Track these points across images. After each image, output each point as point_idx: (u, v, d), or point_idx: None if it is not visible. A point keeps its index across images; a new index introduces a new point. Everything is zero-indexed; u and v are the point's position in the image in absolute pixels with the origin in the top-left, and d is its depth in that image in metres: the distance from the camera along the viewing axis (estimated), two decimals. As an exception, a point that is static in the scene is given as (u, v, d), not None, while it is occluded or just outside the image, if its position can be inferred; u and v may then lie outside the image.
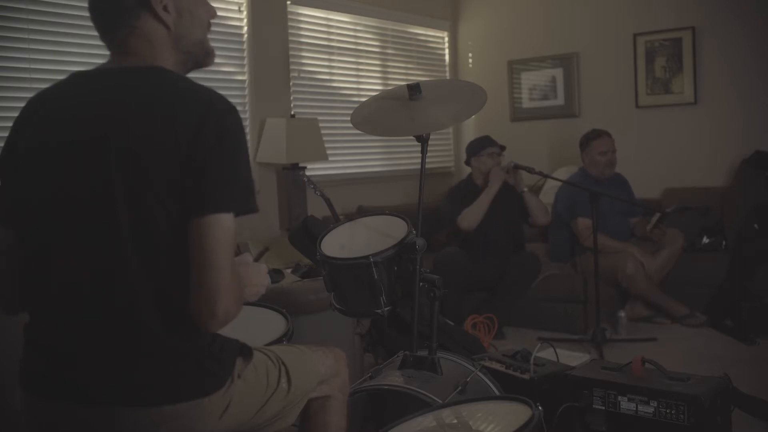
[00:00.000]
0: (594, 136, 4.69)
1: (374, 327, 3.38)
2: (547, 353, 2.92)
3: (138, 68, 1.45)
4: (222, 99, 1.41)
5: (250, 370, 1.51)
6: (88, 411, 1.36)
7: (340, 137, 5.11)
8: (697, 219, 4.64)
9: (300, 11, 4.87)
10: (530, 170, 4.42)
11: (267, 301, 1.71)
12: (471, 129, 6.01)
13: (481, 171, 4.63)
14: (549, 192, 5.03)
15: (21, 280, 1.46)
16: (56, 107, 1.46)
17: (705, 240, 4.71)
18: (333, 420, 1.73)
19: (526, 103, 5.91)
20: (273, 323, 2.12)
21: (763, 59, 4.89)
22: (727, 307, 4.25)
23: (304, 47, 4.90)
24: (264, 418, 1.56)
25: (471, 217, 4.47)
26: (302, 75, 4.88)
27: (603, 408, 2.38)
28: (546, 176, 4.56)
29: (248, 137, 4.34)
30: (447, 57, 6.23)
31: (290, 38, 4.77)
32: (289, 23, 4.77)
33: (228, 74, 4.38)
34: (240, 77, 4.45)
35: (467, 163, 4.77)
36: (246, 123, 4.40)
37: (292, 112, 4.67)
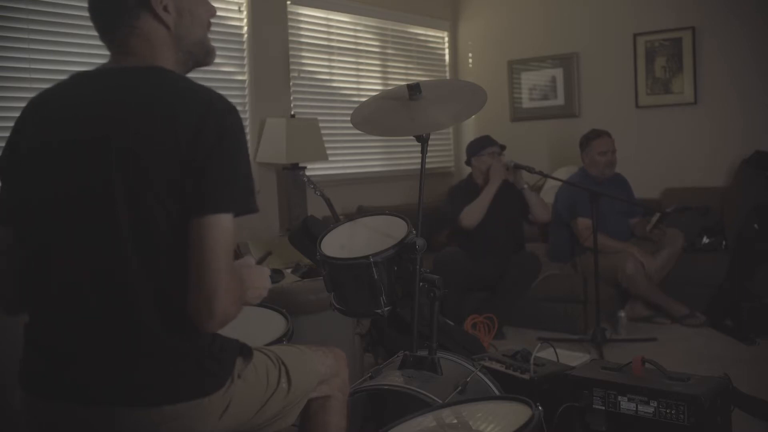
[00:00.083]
0: (594, 136, 4.70)
1: (374, 327, 3.38)
2: (547, 353, 2.92)
3: (138, 68, 1.45)
4: (222, 99, 1.41)
5: (250, 370, 1.51)
6: (88, 411, 1.36)
7: (340, 137, 5.11)
8: (697, 219, 4.64)
9: (300, 11, 4.87)
10: (530, 170, 4.42)
11: (267, 301, 1.71)
12: (471, 129, 6.01)
13: (482, 170, 4.63)
14: (549, 192, 5.03)
15: (21, 280, 1.46)
16: (57, 107, 1.46)
17: (705, 240, 4.71)
18: (333, 420, 1.73)
19: (526, 103, 5.91)
20: (273, 323, 2.12)
21: (763, 59, 4.89)
22: (727, 307, 4.25)
23: (304, 47, 4.90)
24: (264, 418, 1.56)
25: (472, 214, 4.47)
26: (302, 75, 4.88)
27: (603, 408, 2.38)
28: (546, 176, 4.56)
29: (248, 137, 4.34)
30: (447, 57, 6.23)
31: (290, 38, 4.77)
32: (289, 23, 4.77)
33: (228, 74, 4.38)
34: (240, 77, 4.45)
35: (468, 163, 4.77)
36: (246, 123, 4.41)
37: (292, 112, 4.67)
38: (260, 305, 2.11)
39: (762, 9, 4.84)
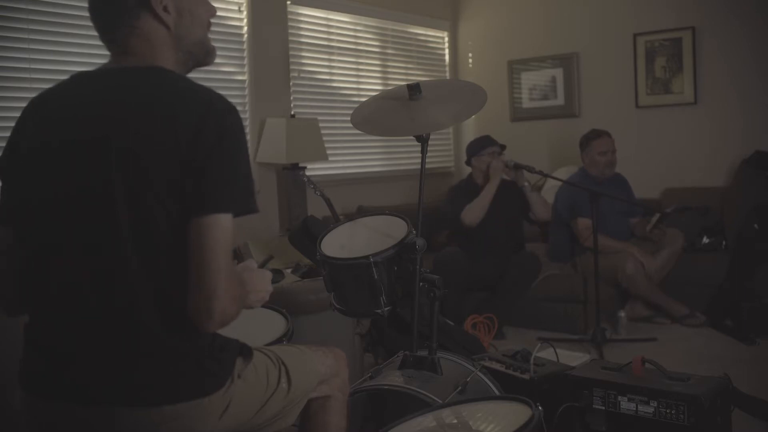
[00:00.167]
0: (594, 136, 4.69)
1: (374, 327, 3.38)
2: (547, 353, 2.92)
3: (138, 68, 1.45)
4: (222, 99, 1.41)
5: (250, 370, 1.51)
6: (88, 411, 1.36)
7: (340, 137, 5.11)
8: (697, 219, 4.64)
9: (300, 11, 4.87)
10: (530, 169, 4.43)
11: (267, 301, 1.71)
12: (471, 129, 6.01)
13: (482, 170, 4.63)
14: (549, 192, 5.03)
15: (21, 280, 1.46)
16: (58, 107, 1.46)
17: (705, 240, 4.71)
18: (333, 420, 1.73)
19: (526, 103, 5.91)
20: (273, 323, 2.13)
21: (763, 59, 4.89)
22: (727, 307, 4.25)
23: (304, 47, 4.90)
24: (264, 418, 1.56)
25: (474, 212, 4.47)
26: (302, 75, 4.88)
27: (603, 408, 2.37)
28: (546, 176, 4.56)
29: (248, 137, 4.34)
30: (447, 57, 6.23)
31: (290, 38, 4.77)
32: (289, 23, 4.77)
33: (228, 74, 4.38)
34: (240, 77, 4.45)
35: (468, 163, 4.77)
36: (246, 123, 4.41)
37: (292, 112, 4.67)
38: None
39: (762, 9, 4.84)
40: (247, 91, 4.47)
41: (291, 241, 2.82)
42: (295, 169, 4.42)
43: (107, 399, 1.35)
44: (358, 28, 5.35)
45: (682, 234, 4.53)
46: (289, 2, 4.75)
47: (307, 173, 4.46)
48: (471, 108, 2.30)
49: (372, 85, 5.43)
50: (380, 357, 3.35)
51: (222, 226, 1.33)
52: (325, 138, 4.61)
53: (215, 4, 1.59)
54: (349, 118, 2.35)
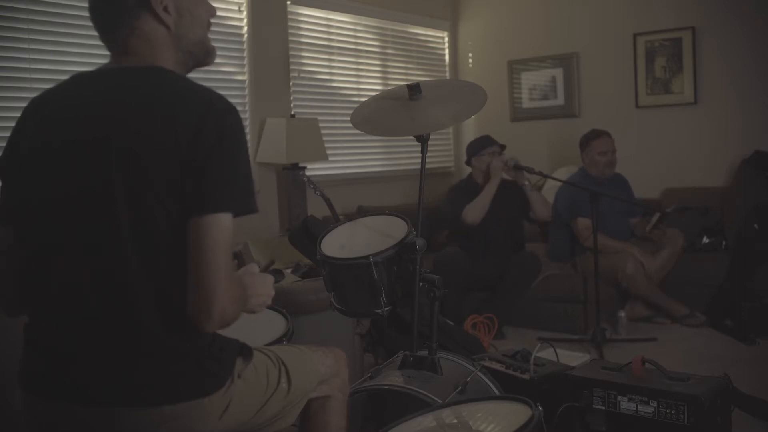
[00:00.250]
0: (594, 136, 4.69)
1: (374, 327, 3.38)
2: (547, 353, 2.92)
3: (138, 68, 1.45)
4: (222, 99, 1.41)
5: (250, 370, 1.51)
6: (88, 411, 1.36)
7: (340, 137, 5.11)
8: (697, 219, 4.64)
9: (300, 11, 4.87)
10: (530, 170, 4.43)
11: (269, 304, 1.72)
12: (471, 129, 6.01)
13: (482, 170, 4.63)
14: (549, 192, 5.03)
15: (21, 280, 1.46)
16: (59, 107, 1.46)
17: (705, 240, 4.71)
18: (333, 420, 1.73)
19: (526, 103, 5.91)
20: (273, 323, 2.13)
21: (763, 59, 4.89)
22: (727, 307, 4.25)
23: (304, 47, 4.90)
24: (264, 418, 1.56)
25: (475, 211, 4.47)
26: (302, 75, 4.88)
27: (603, 408, 2.37)
28: (546, 176, 4.57)
29: (248, 137, 4.34)
30: (447, 57, 6.23)
31: (290, 38, 4.77)
32: (289, 23, 4.77)
33: (228, 74, 4.38)
34: (240, 77, 4.45)
35: (468, 163, 4.77)
36: (246, 123, 4.41)
37: (292, 112, 4.67)
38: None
39: (762, 9, 4.84)
40: (247, 91, 4.47)
41: (291, 241, 2.82)
42: (295, 169, 4.42)
43: (107, 399, 1.35)
44: (358, 28, 5.35)
45: (682, 234, 4.53)
46: (289, 2, 4.75)
47: (307, 173, 4.46)
48: (471, 108, 2.30)
49: (372, 85, 5.43)
50: (380, 357, 3.35)
51: (222, 226, 1.33)
52: (325, 138, 4.61)
53: (215, 4, 1.59)
54: (349, 118, 2.35)
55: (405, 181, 5.50)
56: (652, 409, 2.27)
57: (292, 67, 4.77)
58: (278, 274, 3.22)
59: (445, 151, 6.23)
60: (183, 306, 1.33)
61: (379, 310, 2.10)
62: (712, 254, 4.62)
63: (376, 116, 2.31)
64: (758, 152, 4.76)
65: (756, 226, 4.45)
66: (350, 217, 2.40)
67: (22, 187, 1.46)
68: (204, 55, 1.56)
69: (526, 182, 4.59)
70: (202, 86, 1.43)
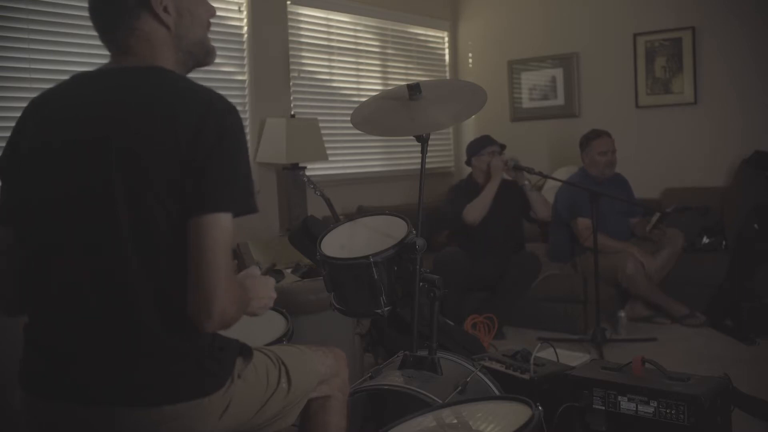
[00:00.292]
0: (594, 136, 4.69)
1: (374, 327, 3.38)
2: (547, 353, 2.92)
3: (138, 68, 1.45)
4: (222, 99, 1.41)
5: (250, 370, 1.51)
6: (88, 411, 1.36)
7: (340, 137, 5.11)
8: (697, 219, 4.64)
9: (300, 11, 4.87)
10: (530, 170, 4.43)
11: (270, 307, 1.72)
12: (471, 129, 6.01)
13: (482, 170, 4.63)
14: (549, 192, 5.03)
15: (21, 280, 1.46)
16: (59, 107, 1.46)
17: (705, 240, 4.71)
18: (333, 420, 1.73)
19: (526, 103, 5.91)
20: (273, 323, 2.13)
21: (763, 59, 4.89)
22: (727, 307, 4.25)
23: (304, 47, 4.90)
24: (264, 418, 1.56)
25: (476, 210, 4.47)
26: (302, 75, 4.88)
27: (603, 408, 2.37)
28: (546, 176, 4.57)
29: (248, 137, 4.34)
30: (447, 57, 6.23)
31: (290, 38, 4.77)
32: (289, 23, 4.77)
33: (228, 74, 4.38)
34: (240, 77, 4.45)
35: (468, 163, 4.77)
36: (246, 123, 4.41)
37: (292, 112, 4.67)
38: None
39: (762, 9, 4.84)
40: (247, 91, 4.47)
41: (291, 241, 2.81)
42: (295, 169, 4.42)
43: (107, 399, 1.35)
44: (358, 28, 5.35)
45: (682, 234, 4.53)
46: (289, 2, 4.75)
47: (307, 173, 4.46)
48: (471, 108, 2.30)
49: (372, 85, 5.43)
50: (380, 357, 3.35)
51: (222, 226, 1.33)
52: (325, 138, 4.61)
53: (215, 4, 1.59)
54: (349, 118, 2.35)
55: (405, 181, 5.50)
56: (652, 409, 2.27)
57: (292, 67, 4.77)
58: (278, 275, 3.21)
59: (445, 151, 6.23)
60: (183, 306, 1.33)
61: (379, 310, 2.09)
62: (712, 254, 4.62)
63: (376, 116, 2.31)
64: (758, 152, 4.76)
65: (756, 226, 4.44)
66: (350, 217, 2.40)
67: (22, 187, 1.46)
68: (204, 55, 1.56)
69: (526, 182, 4.59)
70: (202, 86, 1.44)
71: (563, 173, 5.03)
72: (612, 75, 5.48)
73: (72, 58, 3.53)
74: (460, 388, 2.04)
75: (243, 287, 1.45)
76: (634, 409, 2.31)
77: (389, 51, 5.63)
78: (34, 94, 1.53)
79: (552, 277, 4.53)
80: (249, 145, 4.22)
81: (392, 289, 2.11)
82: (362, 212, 3.09)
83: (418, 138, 2.27)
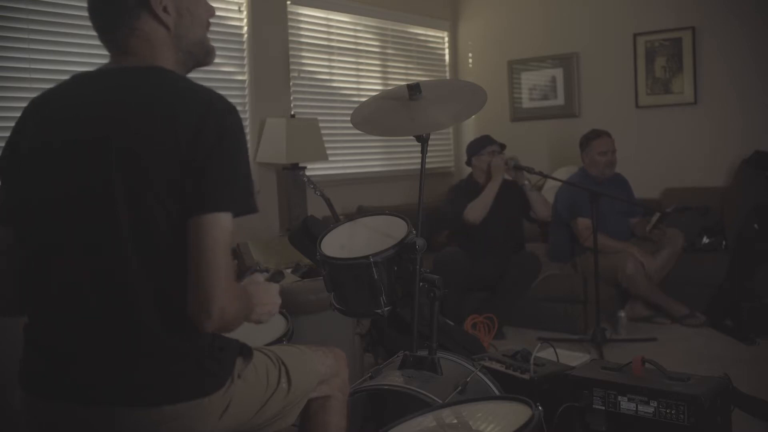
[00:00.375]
0: (594, 136, 4.69)
1: (374, 327, 3.38)
2: (547, 353, 2.92)
3: (138, 68, 1.45)
4: (222, 99, 1.41)
5: (250, 370, 1.51)
6: (88, 411, 1.36)
7: (340, 137, 5.11)
8: (697, 219, 4.64)
9: (300, 11, 4.87)
10: (530, 170, 4.43)
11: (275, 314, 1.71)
12: (471, 129, 6.01)
13: (483, 170, 4.63)
14: (549, 192, 5.03)
15: (21, 280, 1.46)
16: (59, 107, 1.46)
17: (705, 240, 4.71)
18: (333, 420, 1.73)
19: (526, 103, 5.91)
20: (273, 323, 2.13)
21: (763, 59, 4.89)
22: (727, 307, 4.25)
23: (304, 47, 4.90)
24: (264, 418, 1.56)
25: (477, 210, 4.47)
26: (302, 75, 4.88)
27: (603, 408, 2.37)
28: (546, 176, 4.57)
29: (248, 137, 4.34)
30: (447, 57, 6.23)
31: (290, 38, 4.77)
32: (289, 23, 4.77)
33: (228, 74, 4.38)
34: (240, 77, 4.45)
35: (468, 163, 4.77)
36: (246, 123, 4.41)
37: (292, 112, 4.67)
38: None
39: (762, 9, 4.84)
40: (247, 91, 4.47)
41: (291, 241, 2.81)
42: (295, 169, 4.42)
43: (107, 399, 1.35)
44: (358, 28, 5.35)
45: (682, 234, 4.53)
46: (289, 2, 4.75)
47: (307, 173, 4.46)
48: (471, 108, 2.30)
49: (372, 85, 5.43)
50: (380, 357, 3.35)
51: (221, 226, 1.33)
52: (325, 138, 4.61)
53: (215, 4, 1.59)
54: (349, 118, 2.35)
55: (405, 181, 5.50)
56: (652, 409, 2.27)
57: (292, 67, 4.77)
58: (278, 275, 3.21)
59: (445, 151, 6.23)
60: (183, 306, 1.33)
61: (379, 310, 2.09)
62: (712, 254, 4.62)
63: (376, 116, 2.31)
64: (758, 152, 4.76)
65: (756, 226, 4.44)
66: (350, 217, 2.40)
67: (22, 187, 1.46)
68: (204, 55, 1.56)
69: (526, 182, 4.59)
70: (202, 86, 1.44)
71: (563, 173, 5.03)
72: (612, 75, 5.48)
73: (72, 58, 3.53)
74: (460, 388, 2.04)
75: (246, 294, 1.45)
76: (634, 409, 2.31)
77: (389, 51, 5.63)
78: (34, 94, 1.53)
79: (552, 277, 4.53)
80: (249, 145, 4.22)
81: (392, 289, 2.11)
82: (362, 212, 3.09)
83: (418, 138, 2.27)
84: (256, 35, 4.49)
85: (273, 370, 1.57)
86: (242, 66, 4.45)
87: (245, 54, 4.46)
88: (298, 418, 1.69)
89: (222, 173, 1.34)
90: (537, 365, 2.59)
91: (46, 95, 1.50)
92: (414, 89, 2.22)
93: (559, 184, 4.65)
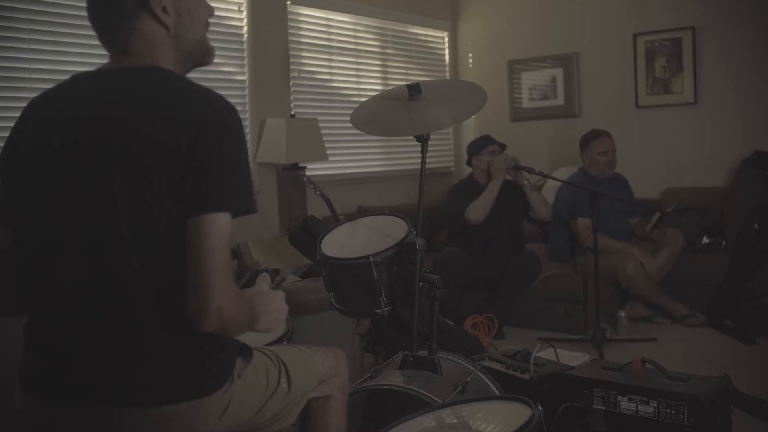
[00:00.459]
0: (594, 136, 4.70)
1: (374, 327, 3.38)
2: (547, 353, 2.92)
3: (138, 68, 1.45)
4: (221, 99, 1.41)
5: (250, 370, 1.51)
6: (88, 411, 1.36)
7: (340, 137, 5.11)
8: (697, 219, 4.64)
9: (300, 11, 4.87)
10: (530, 170, 4.43)
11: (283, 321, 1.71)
12: (471, 129, 6.01)
13: (483, 169, 4.63)
14: (549, 192, 5.03)
15: (21, 280, 1.46)
16: (59, 107, 1.46)
17: (705, 240, 4.71)
18: (333, 420, 1.73)
19: (526, 103, 5.91)
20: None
21: (763, 59, 4.89)
22: (727, 307, 4.25)
23: (304, 47, 4.90)
24: (264, 418, 1.56)
25: (478, 209, 4.47)
26: (302, 75, 4.88)
27: (603, 408, 2.37)
28: (546, 176, 4.57)
29: (248, 137, 4.34)
30: (447, 57, 6.23)
31: (290, 38, 4.77)
32: (289, 23, 4.77)
33: (228, 74, 4.38)
34: (240, 77, 4.45)
35: (468, 163, 4.77)
36: (246, 123, 4.41)
37: (292, 112, 4.67)
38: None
39: (762, 9, 4.84)
40: (247, 91, 4.47)
41: (291, 241, 2.81)
42: (295, 169, 4.42)
43: (107, 399, 1.35)
44: (358, 28, 5.35)
45: (682, 234, 4.53)
46: (289, 2, 4.75)
47: (307, 173, 4.46)
48: (471, 108, 2.30)
49: (372, 85, 5.43)
50: (380, 357, 3.35)
51: (220, 226, 1.33)
52: (325, 138, 4.62)
53: (214, 4, 1.59)
54: (349, 118, 2.35)
55: (405, 181, 5.50)
56: (652, 409, 2.27)
57: (292, 67, 4.77)
58: (278, 274, 3.21)
59: (445, 151, 6.23)
60: (183, 306, 1.33)
61: (379, 310, 2.09)
62: (712, 254, 4.62)
63: (376, 116, 2.31)
64: (758, 152, 4.76)
65: (756, 226, 4.44)
66: (350, 217, 2.40)
67: (22, 187, 1.46)
68: (203, 55, 1.56)
69: (526, 182, 4.59)
70: (201, 86, 1.44)
71: (563, 173, 5.03)
72: (612, 75, 5.48)
73: (72, 58, 3.53)
74: (460, 388, 2.04)
75: (251, 305, 1.45)
76: (634, 409, 2.31)
77: (389, 51, 5.63)
78: (34, 94, 1.53)
79: (552, 277, 4.53)
80: (249, 145, 4.22)
81: (392, 289, 2.11)
82: (362, 212, 3.09)
83: (418, 138, 2.27)
84: (256, 35, 4.49)
85: (273, 370, 1.57)
86: (242, 66, 4.45)
87: (245, 54, 4.46)
88: (298, 418, 1.69)
89: (222, 173, 1.34)
90: (537, 365, 2.59)
91: (46, 95, 1.50)
92: (414, 89, 2.22)
93: (559, 184, 4.65)
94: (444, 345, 2.97)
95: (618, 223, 4.65)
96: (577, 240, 4.57)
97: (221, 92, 1.44)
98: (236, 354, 1.49)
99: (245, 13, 4.44)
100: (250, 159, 3.64)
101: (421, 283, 2.13)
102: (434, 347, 2.18)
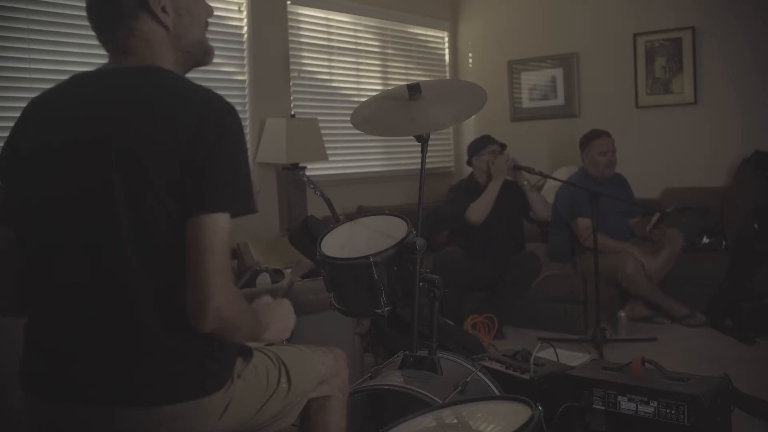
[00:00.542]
0: (594, 136, 4.70)
1: (374, 327, 3.38)
2: (547, 353, 2.92)
3: (138, 68, 1.45)
4: (221, 99, 1.41)
5: (250, 370, 1.51)
6: (88, 411, 1.36)
7: (340, 137, 5.11)
8: (697, 219, 4.64)
9: (300, 11, 4.87)
10: (530, 170, 4.43)
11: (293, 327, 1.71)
12: (471, 129, 6.01)
13: (483, 169, 4.63)
14: (549, 192, 5.03)
15: (21, 280, 1.46)
16: (59, 107, 1.46)
17: (705, 240, 4.71)
18: (333, 420, 1.73)
19: (526, 103, 5.91)
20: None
21: (763, 59, 4.89)
22: (727, 307, 4.25)
23: (304, 47, 4.90)
24: (264, 418, 1.56)
25: (479, 209, 4.47)
26: (302, 75, 4.88)
27: (603, 408, 2.37)
28: (546, 176, 4.57)
29: (248, 137, 4.35)
30: (447, 57, 6.23)
31: (290, 38, 4.77)
32: (289, 23, 4.77)
33: (228, 74, 4.38)
34: (240, 77, 4.45)
35: (469, 163, 4.77)
36: (246, 123, 4.41)
37: (292, 112, 4.67)
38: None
39: (762, 9, 4.84)
40: (247, 91, 4.47)
41: (291, 241, 2.81)
42: (295, 169, 4.42)
43: (107, 399, 1.35)
44: (358, 28, 5.35)
45: (682, 234, 4.53)
46: (289, 2, 4.75)
47: (307, 173, 4.46)
48: (471, 108, 2.30)
49: (372, 85, 5.43)
50: (380, 357, 3.34)
51: (220, 226, 1.33)
52: (325, 138, 4.62)
53: (214, 5, 1.59)
54: (349, 118, 2.35)
55: (405, 181, 5.50)
56: (652, 409, 2.27)
57: (292, 67, 4.77)
58: (278, 274, 3.22)
59: (445, 151, 6.23)
60: (183, 306, 1.33)
61: (379, 310, 2.09)
62: (712, 254, 4.62)
63: (376, 116, 2.31)
64: (758, 152, 4.76)
65: (756, 226, 4.44)
66: (350, 217, 2.40)
67: (22, 187, 1.46)
68: (203, 55, 1.57)
69: (525, 182, 4.59)
70: (201, 86, 1.44)
71: (563, 173, 5.03)
72: (612, 75, 5.48)
73: (72, 58, 3.53)
74: (460, 388, 2.04)
75: (255, 316, 1.45)
76: (634, 409, 2.31)
77: (389, 51, 5.63)
78: (34, 94, 1.53)
79: (552, 277, 4.53)
80: (249, 145, 4.22)
81: (392, 289, 2.11)
82: (362, 212, 3.09)
83: (418, 138, 2.27)
84: (256, 35, 4.49)
85: (273, 370, 1.57)
86: (242, 66, 4.45)
87: (245, 54, 4.46)
88: (298, 418, 1.69)
89: (222, 173, 1.34)
90: (537, 365, 2.59)
91: (46, 95, 1.50)
92: (414, 89, 2.22)
93: (559, 184, 4.65)
94: (444, 345, 2.97)
95: (618, 223, 4.65)
96: (577, 240, 4.57)
97: (221, 92, 1.44)
98: (236, 354, 1.49)
99: (245, 13, 4.44)
100: (250, 159, 3.65)
101: (421, 283, 2.13)
102: (434, 347, 2.18)
